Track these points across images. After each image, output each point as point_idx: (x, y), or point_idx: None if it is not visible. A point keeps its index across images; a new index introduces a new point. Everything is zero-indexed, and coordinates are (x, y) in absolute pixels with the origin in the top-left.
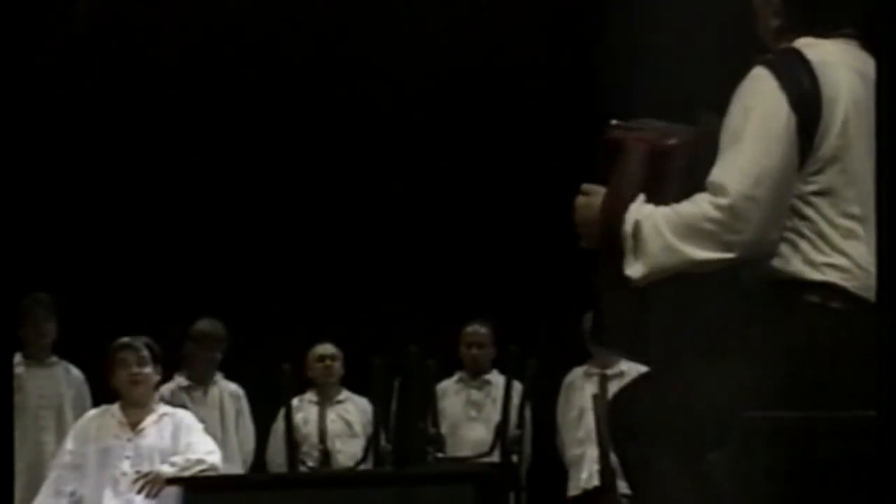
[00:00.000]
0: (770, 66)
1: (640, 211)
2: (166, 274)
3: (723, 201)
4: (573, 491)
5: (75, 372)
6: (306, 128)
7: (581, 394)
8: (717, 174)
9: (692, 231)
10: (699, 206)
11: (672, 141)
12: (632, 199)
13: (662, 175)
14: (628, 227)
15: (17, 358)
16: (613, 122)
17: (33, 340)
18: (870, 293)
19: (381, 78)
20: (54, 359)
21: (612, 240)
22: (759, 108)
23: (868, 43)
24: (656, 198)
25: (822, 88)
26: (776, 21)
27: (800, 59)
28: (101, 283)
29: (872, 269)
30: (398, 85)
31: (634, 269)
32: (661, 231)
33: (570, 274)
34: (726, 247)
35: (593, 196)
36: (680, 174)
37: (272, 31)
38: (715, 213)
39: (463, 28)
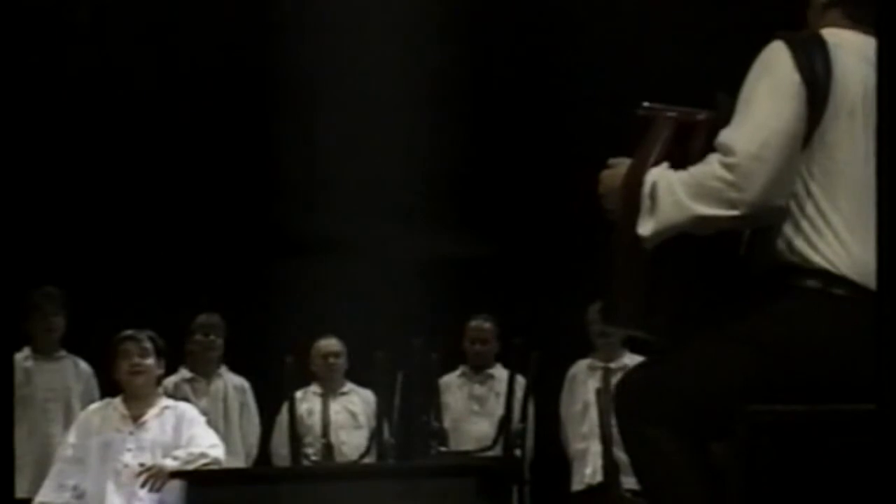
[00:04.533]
0: (786, 40)
1: (660, 173)
2: (174, 268)
3: (730, 160)
4: (577, 486)
5: (84, 366)
6: (307, 124)
7: (585, 387)
8: (726, 135)
9: (700, 188)
10: (709, 165)
11: (700, 116)
12: (655, 164)
13: (688, 148)
14: (647, 188)
15: (26, 352)
16: (645, 104)
17: (42, 334)
18: (871, 282)
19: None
20: (63, 352)
21: (632, 203)
22: (770, 75)
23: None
24: (680, 170)
25: (834, 70)
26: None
27: (817, 40)
28: (110, 276)
29: (874, 258)
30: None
31: (646, 227)
32: (673, 189)
33: (574, 267)
34: (731, 204)
35: (618, 167)
36: (704, 151)
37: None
38: (722, 172)
39: None
